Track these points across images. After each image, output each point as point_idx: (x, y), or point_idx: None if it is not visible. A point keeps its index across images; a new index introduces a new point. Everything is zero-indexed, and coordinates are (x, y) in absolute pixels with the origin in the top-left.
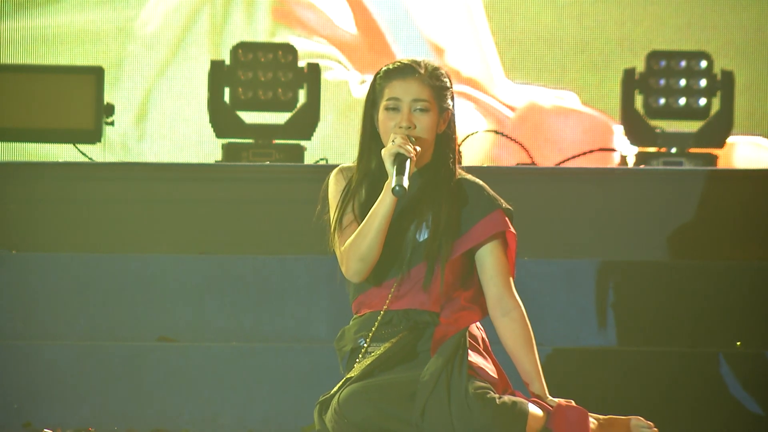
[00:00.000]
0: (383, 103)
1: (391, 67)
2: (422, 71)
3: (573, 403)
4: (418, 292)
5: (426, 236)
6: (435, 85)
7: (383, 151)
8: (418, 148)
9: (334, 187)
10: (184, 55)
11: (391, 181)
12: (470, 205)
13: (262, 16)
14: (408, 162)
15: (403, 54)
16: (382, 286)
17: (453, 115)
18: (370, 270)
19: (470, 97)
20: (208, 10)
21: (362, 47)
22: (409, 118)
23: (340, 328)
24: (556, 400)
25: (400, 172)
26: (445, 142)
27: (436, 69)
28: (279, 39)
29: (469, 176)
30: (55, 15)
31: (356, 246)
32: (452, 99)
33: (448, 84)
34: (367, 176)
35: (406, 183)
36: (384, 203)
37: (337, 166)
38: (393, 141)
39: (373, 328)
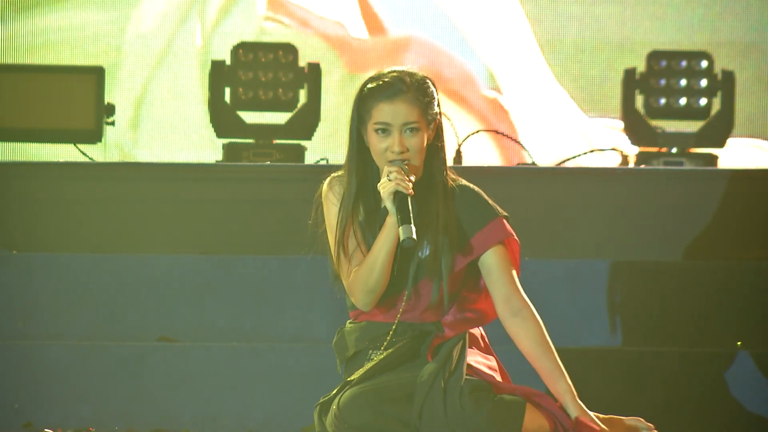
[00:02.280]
0: (372, 125)
1: (374, 85)
2: (408, 90)
3: (597, 419)
4: (423, 307)
5: (427, 252)
6: (423, 101)
7: (380, 188)
8: (413, 178)
9: (329, 204)
10: (185, 54)
11: (398, 230)
12: (468, 215)
13: (259, 14)
14: (409, 201)
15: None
16: (383, 302)
17: (440, 122)
18: (380, 297)
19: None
20: (209, 10)
21: (357, 45)
22: (401, 143)
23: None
24: (589, 412)
25: (405, 220)
26: (434, 152)
27: (421, 83)
28: (277, 38)
29: (464, 182)
30: (55, 16)
31: (363, 280)
32: (438, 106)
33: (434, 93)
34: (360, 191)
35: (414, 233)
36: (388, 240)
37: (333, 171)
38: (389, 177)
39: (386, 342)
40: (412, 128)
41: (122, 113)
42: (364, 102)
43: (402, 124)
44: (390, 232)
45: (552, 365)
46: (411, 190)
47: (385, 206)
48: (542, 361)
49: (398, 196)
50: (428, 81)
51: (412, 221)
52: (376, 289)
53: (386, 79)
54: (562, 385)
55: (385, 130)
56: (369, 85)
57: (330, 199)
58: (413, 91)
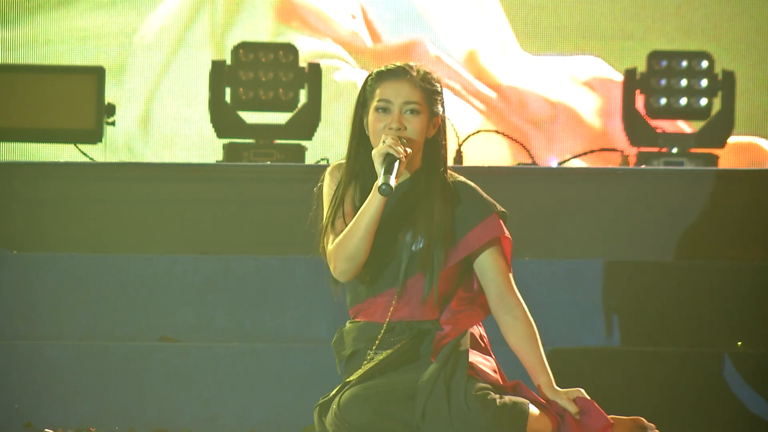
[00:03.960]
0: (373, 104)
1: (382, 69)
2: (414, 74)
3: (583, 393)
4: (417, 302)
5: (421, 245)
6: (426, 88)
7: (373, 151)
8: (409, 150)
9: (328, 187)
10: (186, 55)
11: (378, 181)
12: (464, 211)
13: (265, 15)
14: (397, 163)
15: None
16: (379, 296)
17: (443, 121)
18: (358, 270)
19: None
20: (210, 10)
21: (368, 45)
22: (400, 120)
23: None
24: (568, 390)
25: (387, 171)
26: (434, 147)
27: (428, 73)
28: (283, 39)
29: (461, 178)
30: (59, 19)
31: (344, 246)
32: (443, 105)
33: (439, 89)
34: (357, 179)
35: (392, 182)
36: (372, 204)
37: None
38: (383, 141)
39: (377, 341)
40: (413, 109)
41: (125, 114)
42: (368, 87)
43: (403, 103)
44: (375, 197)
45: (537, 359)
46: (402, 156)
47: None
48: (529, 356)
49: (388, 158)
50: (435, 76)
51: (394, 175)
52: (355, 257)
53: (394, 64)
54: (544, 378)
55: (385, 109)
56: (375, 71)
57: (329, 182)
58: (419, 76)
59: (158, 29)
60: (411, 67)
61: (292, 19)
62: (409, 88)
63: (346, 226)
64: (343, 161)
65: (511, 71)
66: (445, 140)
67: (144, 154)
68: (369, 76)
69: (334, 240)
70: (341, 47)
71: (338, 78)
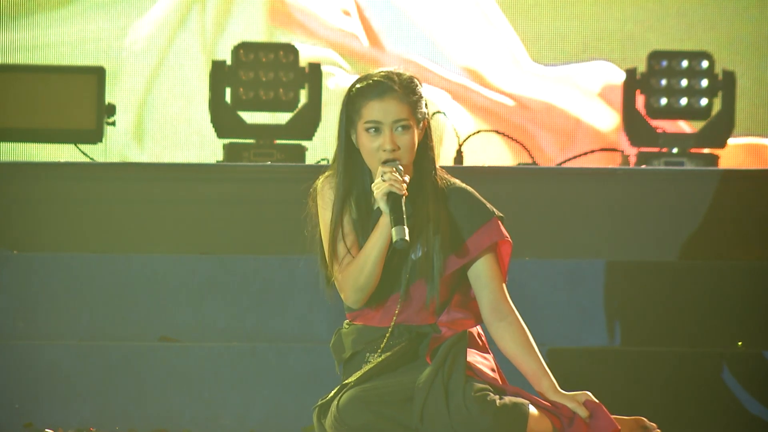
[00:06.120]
0: (362, 125)
1: (363, 85)
2: (398, 88)
3: (590, 395)
4: (417, 309)
5: (420, 254)
6: (411, 99)
7: (374, 188)
8: (407, 178)
9: (322, 208)
10: (186, 55)
11: (391, 231)
12: (462, 217)
13: (260, 18)
14: (403, 202)
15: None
16: (380, 304)
17: (428, 122)
18: (369, 296)
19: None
20: (208, 11)
21: (362, 48)
22: (392, 140)
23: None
24: (575, 393)
25: (398, 221)
26: (423, 150)
27: (410, 81)
28: (276, 41)
29: (458, 183)
30: (59, 20)
31: (354, 278)
32: (426, 105)
33: (421, 92)
34: (350, 194)
35: (407, 235)
36: (380, 239)
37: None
38: (382, 177)
39: (382, 346)
40: (403, 126)
41: (124, 115)
42: (353, 102)
43: (393, 122)
44: (383, 232)
45: (536, 365)
46: (405, 191)
47: (378, 206)
48: (528, 362)
49: (392, 197)
50: (415, 80)
51: (405, 222)
52: (365, 287)
53: (375, 79)
54: (546, 383)
55: (376, 128)
56: (357, 85)
57: (321, 203)
58: (402, 89)
59: (158, 28)
60: (392, 80)
61: (284, 21)
62: (396, 105)
63: (347, 247)
64: (329, 174)
65: (520, 84)
66: (432, 141)
67: (144, 154)
68: (350, 90)
69: (338, 261)
70: (335, 51)
71: (331, 85)
